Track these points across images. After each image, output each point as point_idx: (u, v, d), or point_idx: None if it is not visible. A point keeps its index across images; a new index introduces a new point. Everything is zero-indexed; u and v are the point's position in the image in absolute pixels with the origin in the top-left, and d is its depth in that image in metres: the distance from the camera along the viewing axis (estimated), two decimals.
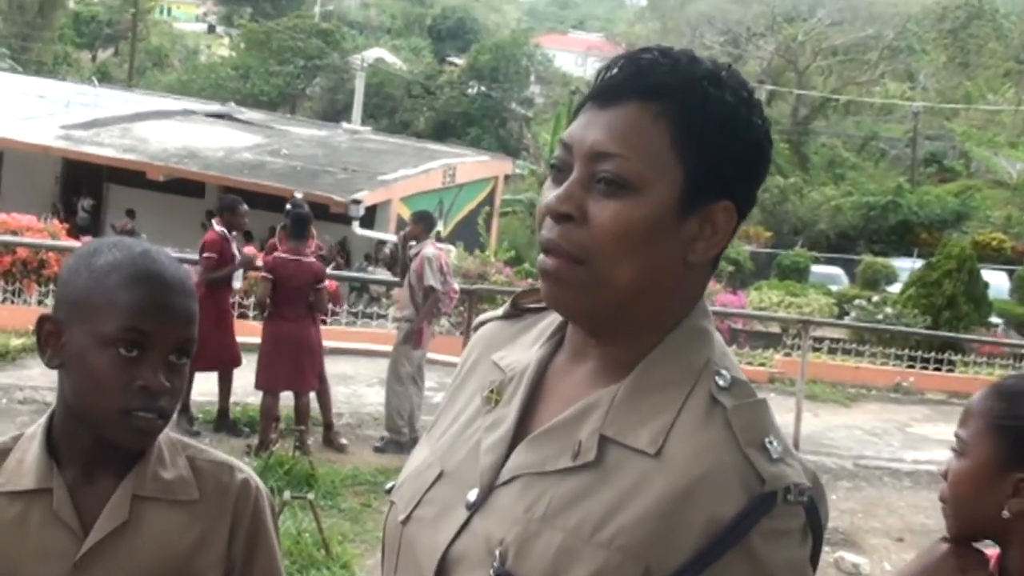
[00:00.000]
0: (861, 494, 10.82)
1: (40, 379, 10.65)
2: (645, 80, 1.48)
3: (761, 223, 40.87)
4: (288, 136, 31.07)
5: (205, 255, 10.07)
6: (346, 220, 24.11)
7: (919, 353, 17.68)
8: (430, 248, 10.19)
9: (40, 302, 14.48)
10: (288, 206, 10.03)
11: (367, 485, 8.95)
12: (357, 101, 39.23)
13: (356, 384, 12.57)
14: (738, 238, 36.46)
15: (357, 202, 23.90)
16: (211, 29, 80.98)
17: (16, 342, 12.30)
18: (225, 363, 10.06)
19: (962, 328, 19.71)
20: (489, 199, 31.45)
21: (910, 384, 16.61)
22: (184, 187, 26.24)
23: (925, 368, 17.51)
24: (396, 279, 11.74)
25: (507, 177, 33.83)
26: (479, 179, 31.14)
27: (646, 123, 1.47)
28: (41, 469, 1.87)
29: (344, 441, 10.21)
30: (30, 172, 27.00)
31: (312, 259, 9.68)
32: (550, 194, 1.51)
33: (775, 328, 20.20)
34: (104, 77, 50.30)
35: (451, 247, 20.13)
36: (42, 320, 1.88)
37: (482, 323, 1.80)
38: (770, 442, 1.45)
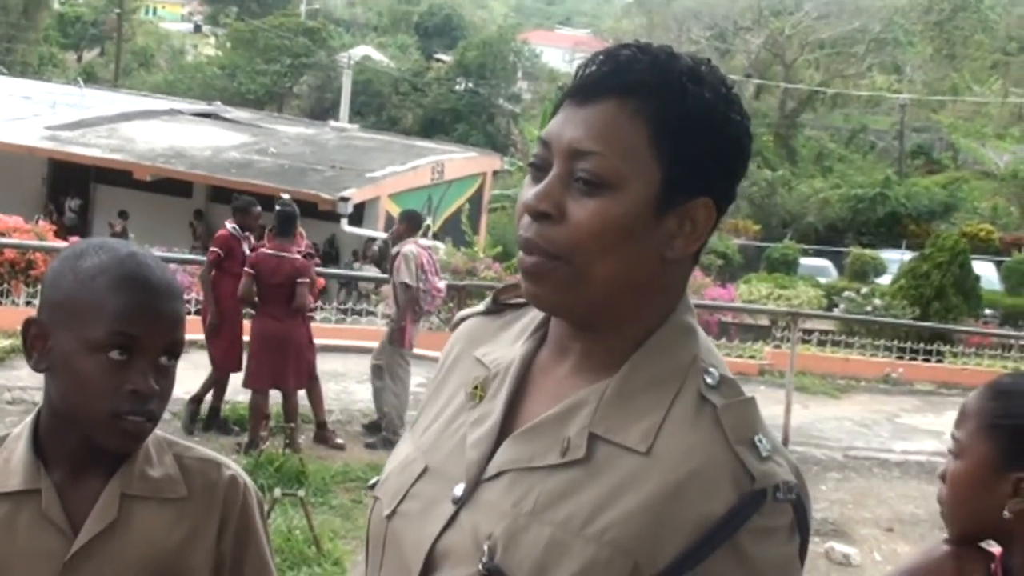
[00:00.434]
0: (851, 485, 10.84)
1: (29, 380, 10.63)
2: (623, 77, 1.48)
3: (750, 216, 40.91)
4: (275, 134, 31.02)
5: (210, 249, 10.08)
6: (334, 218, 24.10)
7: (908, 344, 17.71)
8: (410, 246, 10.21)
9: (28, 303, 14.44)
10: (277, 207, 10.02)
11: (358, 482, 8.94)
12: (344, 99, 39.16)
13: (346, 381, 12.56)
14: (727, 231, 36.76)
15: (345, 200, 23.87)
16: (197, 28, 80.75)
17: (4, 343, 12.27)
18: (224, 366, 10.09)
19: (952, 319, 19.74)
20: (478, 195, 31.42)
21: (899, 375, 16.64)
22: (171, 187, 26.22)
23: (914, 359, 17.54)
24: (385, 275, 11.76)
25: (495, 173, 33.83)
26: (467, 175, 31.12)
27: (623, 120, 1.47)
28: (28, 470, 1.87)
29: (340, 440, 10.21)
30: (16, 173, 26.92)
31: (295, 255, 9.65)
32: (529, 192, 1.51)
33: (764, 321, 20.22)
34: (90, 78, 50.17)
35: (439, 244, 20.12)
36: (28, 323, 1.88)
37: (462, 319, 1.81)
38: (759, 440, 1.46)
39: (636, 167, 1.46)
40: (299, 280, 9.55)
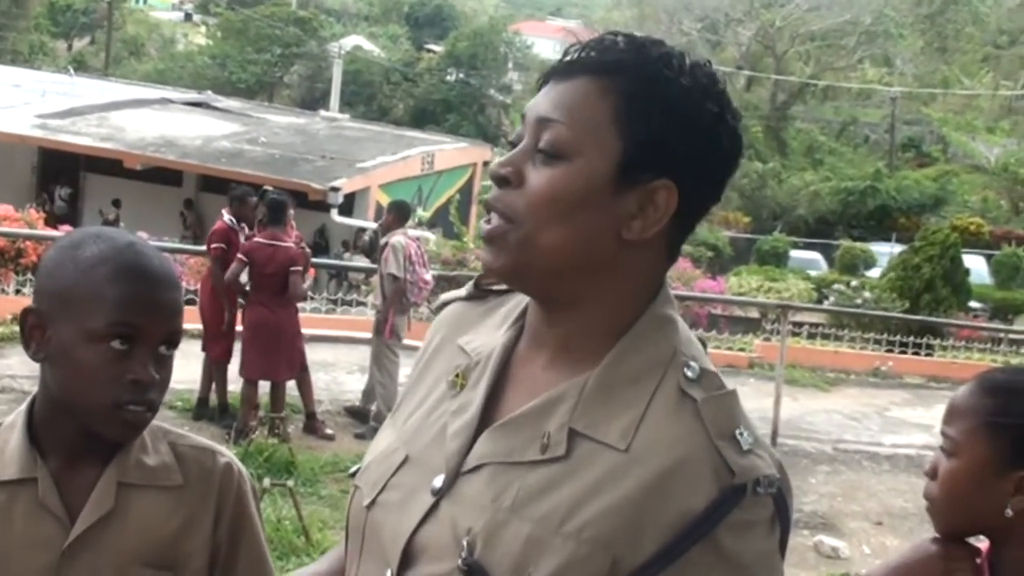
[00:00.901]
0: (840, 478, 10.86)
1: (18, 368, 10.62)
2: (601, 57, 1.51)
3: (740, 208, 40.96)
4: (266, 124, 30.99)
5: (212, 245, 10.03)
6: (325, 208, 24.08)
7: (898, 337, 17.72)
8: (398, 237, 10.22)
9: (18, 291, 14.42)
10: (267, 196, 10.00)
11: (347, 472, 8.93)
12: (335, 89, 39.12)
13: (336, 371, 12.56)
14: (717, 223, 36.76)
15: (336, 190, 23.86)
16: (188, 17, 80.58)
17: None
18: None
19: (942, 312, 19.77)
20: (468, 186, 31.43)
21: (889, 368, 16.67)
22: (162, 176, 26.19)
23: (904, 352, 17.56)
24: (374, 266, 11.77)
25: (486, 163, 33.73)
26: (458, 166, 31.12)
27: (591, 96, 1.49)
28: (24, 458, 1.87)
29: (330, 431, 10.20)
30: (6, 162, 26.86)
31: (289, 244, 9.63)
32: None
33: (754, 313, 20.24)
34: (80, 66, 50.04)
35: (429, 235, 20.10)
36: (26, 312, 1.88)
37: (445, 304, 1.81)
38: (740, 433, 1.46)
39: (595, 140, 1.48)
40: (292, 269, 9.53)
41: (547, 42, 64.33)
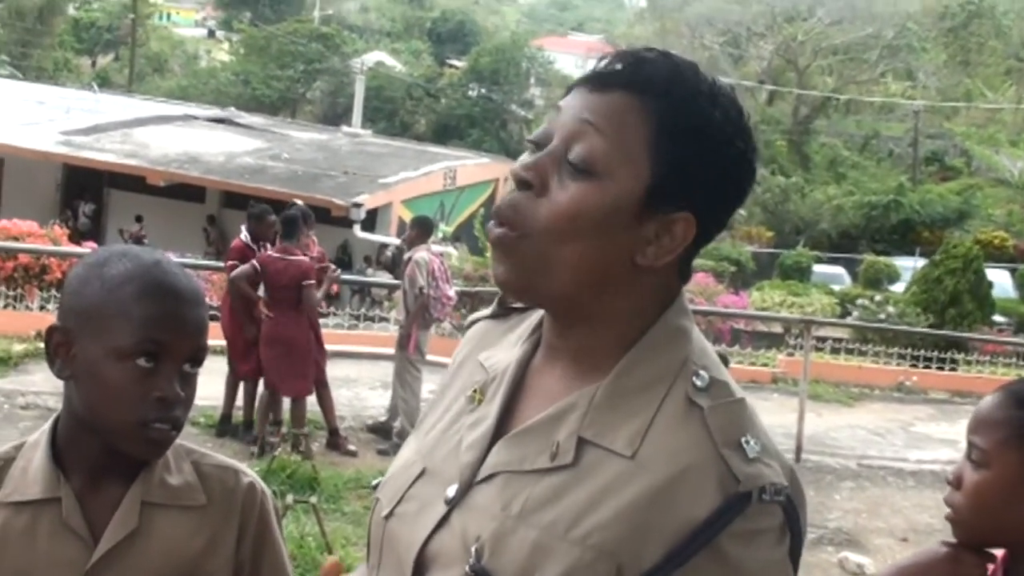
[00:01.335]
0: (865, 494, 10.80)
1: (43, 384, 10.65)
2: (641, 74, 1.48)
3: (763, 223, 40.85)
4: (288, 140, 31.10)
5: (228, 263, 10.07)
6: (347, 223, 24.13)
7: (922, 352, 17.65)
8: (422, 253, 10.23)
9: (42, 307, 14.48)
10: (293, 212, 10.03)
11: (370, 488, 8.92)
12: (357, 104, 39.24)
13: (358, 387, 12.57)
14: (740, 238, 36.68)
15: (358, 205, 23.94)
16: (211, 34, 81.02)
17: (18, 347, 12.29)
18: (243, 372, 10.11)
19: (966, 327, 19.68)
20: (490, 201, 31.44)
21: (913, 383, 16.59)
22: (185, 192, 26.29)
23: (928, 367, 17.48)
24: (397, 282, 11.79)
25: (508, 179, 33.84)
26: (480, 181, 31.19)
27: (631, 114, 1.47)
28: (48, 478, 1.87)
29: (353, 447, 10.20)
30: (31, 178, 27.04)
31: (301, 257, 9.63)
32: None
33: (778, 328, 20.17)
34: (104, 83, 50.24)
35: (452, 250, 20.12)
36: (51, 330, 1.88)
37: (472, 322, 1.82)
38: (747, 441, 1.45)
39: (628, 161, 1.46)
40: (305, 282, 9.54)
41: (569, 58, 64.50)
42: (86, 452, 1.88)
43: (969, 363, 18.15)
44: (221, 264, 11.77)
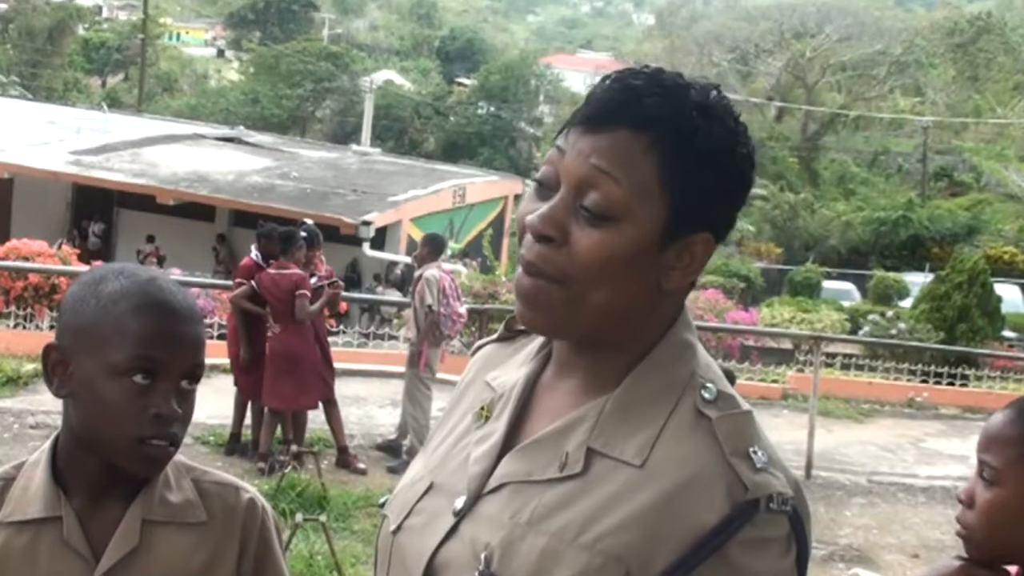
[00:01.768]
0: (875, 510, 10.77)
1: (52, 404, 10.62)
2: (636, 109, 1.48)
3: (772, 239, 40.88)
4: (297, 159, 31.14)
5: (235, 280, 10.10)
6: (357, 242, 24.15)
7: (932, 368, 17.60)
8: (432, 270, 10.23)
9: (52, 327, 14.48)
10: (301, 232, 10.04)
11: (380, 509, 8.89)
12: (366, 123, 39.28)
13: (368, 405, 12.55)
14: (749, 254, 36.65)
15: (367, 223, 23.96)
16: (220, 53, 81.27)
17: (28, 367, 12.30)
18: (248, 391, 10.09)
19: (976, 342, 19.63)
20: (499, 219, 31.48)
21: (924, 399, 16.53)
22: (194, 211, 26.32)
23: (939, 383, 17.42)
24: (407, 300, 11.79)
25: (517, 197, 33.85)
26: (489, 199, 31.20)
27: (636, 154, 1.47)
28: (48, 497, 1.87)
29: (362, 465, 10.18)
30: (41, 198, 27.11)
31: (294, 271, 9.65)
32: (531, 206, 1.53)
33: (787, 344, 20.16)
34: (114, 102, 50.46)
35: (461, 268, 20.12)
36: (48, 349, 1.89)
37: (480, 347, 1.84)
38: (755, 452, 1.47)
39: (644, 201, 1.47)
40: (298, 292, 9.54)
41: (578, 75, 64.60)
42: (86, 470, 1.88)
43: (980, 379, 18.09)
44: (231, 283, 11.78)
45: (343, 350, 13.90)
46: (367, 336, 16.41)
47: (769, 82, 55.74)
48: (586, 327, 1.52)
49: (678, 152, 1.47)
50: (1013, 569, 2.12)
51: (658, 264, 1.50)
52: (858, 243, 41.80)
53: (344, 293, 11.39)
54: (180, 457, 1.95)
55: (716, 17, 64.11)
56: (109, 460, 1.84)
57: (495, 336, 1.82)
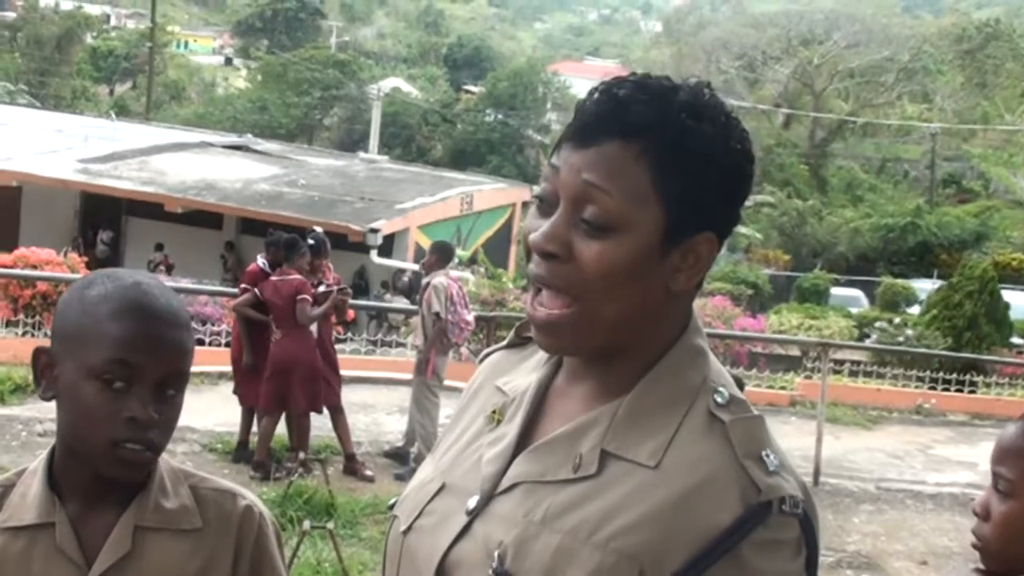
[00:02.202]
0: (884, 517, 10.75)
1: None
2: (623, 118, 1.49)
3: (780, 246, 40.83)
4: (305, 166, 31.17)
5: (240, 287, 10.11)
6: (364, 249, 24.17)
7: (940, 374, 17.58)
8: (440, 278, 10.23)
9: None
10: (310, 240, 10.05)
11: (387, 514, 8.88)
12: (374, 130, 39.37)
13: (375, 412, 12.54)
14: (757, 261, 36.62)
15: (375, 231, 23.98)
16: (228, 62, 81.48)
17: None
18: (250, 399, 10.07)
19: (984, 349, 19.60)
20: (507, 226, 31.49)
21: (932, 406, 16.50)
22: (202, 219, 26.36)
23: (947, 389, 17.40)
24: (415, 307, 11.79)
25: (525, 204, 33.85)
26: (497, 206, 31.21)
27: (627, 163, 1.48)
28: (43, 503, 1.87)
29: (370, 472, 10.18)
30: (49, 206, 27.16)
31: (295, 276, 9.66)
32: (534, 224, 1.54)
33: (795, 351, 20.12)
34: (122, 111, 50.54)
35: (468, 275, 20.12)
36: (37, 352, 1.89)
37: (488, 354, 1.85)
38: (767, 455, 1.49)
39: (641, 209, 1.49)
40: (299, 297, 9.55)
41: (585, 82, 64.43)
42: (79, 477, 1.88)
43: (988, 385, 18.07)
44: (237, 290, 11.79)
45: (351, 357, 13.89)
46: (375, 343, 16.43)
47: (777, 89, 55.75)
48: (603, 341, 1.54)
49: (670, 156, 1.48)
50: None
51: (664, 268, 1.51)
52: (866, 250, 41.73)
53: (352, 300, 11.40)
54: (191, 466, 1.94)
55: (723, 24, 64.20)
56: (91, 464, 1.84)
57: (504, 343, 1.82)
